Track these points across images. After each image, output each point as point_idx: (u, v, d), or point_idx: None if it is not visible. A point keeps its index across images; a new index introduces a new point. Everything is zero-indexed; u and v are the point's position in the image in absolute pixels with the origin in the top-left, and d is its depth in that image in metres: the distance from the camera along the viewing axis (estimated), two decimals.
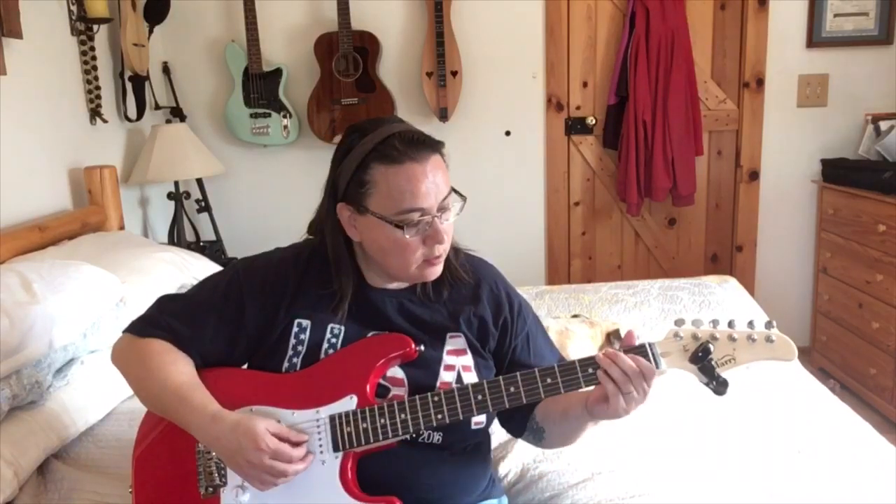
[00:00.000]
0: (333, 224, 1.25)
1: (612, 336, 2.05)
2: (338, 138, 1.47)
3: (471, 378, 1.27)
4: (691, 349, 1.16)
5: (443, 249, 1.22)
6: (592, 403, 1.16)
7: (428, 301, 1.30)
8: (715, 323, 1.17)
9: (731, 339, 1.15)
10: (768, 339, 1.15)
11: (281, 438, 1.15)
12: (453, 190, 1.23)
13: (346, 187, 1.21)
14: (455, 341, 1.29)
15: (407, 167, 1.16)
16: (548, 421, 1.29)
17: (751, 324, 1.16)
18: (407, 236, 1.18)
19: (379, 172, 1.17)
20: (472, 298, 1.32)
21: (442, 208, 1.20)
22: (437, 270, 1.25)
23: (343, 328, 1.27)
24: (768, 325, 1.16)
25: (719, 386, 1.15)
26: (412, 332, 1.27)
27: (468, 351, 1.29)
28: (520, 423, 1.33)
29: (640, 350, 1.16)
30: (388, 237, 1.19)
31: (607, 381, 1.13)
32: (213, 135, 3.35)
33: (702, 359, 1.14)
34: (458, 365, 1.28)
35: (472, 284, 1.33)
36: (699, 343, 1.15)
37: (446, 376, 1.26)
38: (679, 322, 1.17)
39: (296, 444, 1.17)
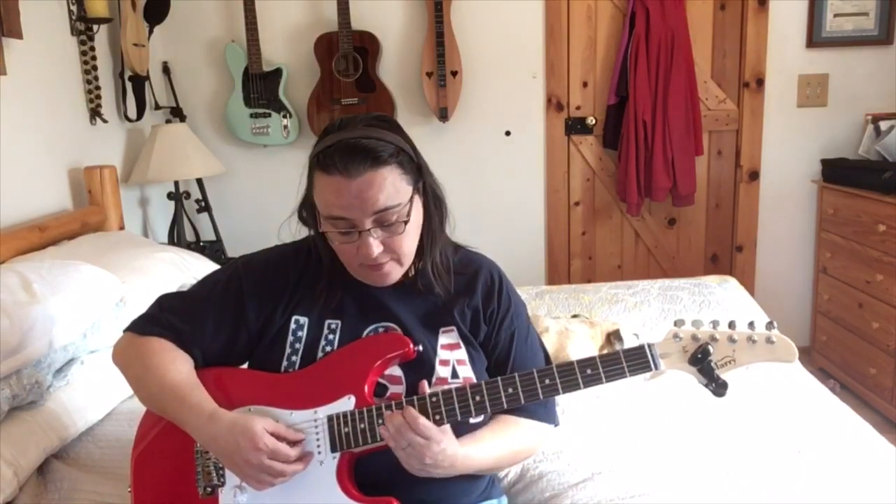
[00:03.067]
0: (312, 212, 1.26)
1: (612, 336, 2.05)
2: None
3: (465, 372, 1.27)
4: (691, 350, 1.15)
5: (382, 259, 1.20)
6: None
7: (421, 295, 1.30)
8: (715, 324, 1.16)
9: (731, 340, 1.14)
10: (769, 341, 1.14)
11: (278, 437, 1.16)
12: (416, 195, 1.21)
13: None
14: (448, 335, 1.29)
15: (334, 179, 1.15)
16: None
17: (751, 325, 1.15)
18: (333, 241, 1.20)
19: (315, 177, 1.19)
20: (467, 290, 1.32)
21: (381, 222, 1.17)
22: (384, 276, 1.23)
23: (340, 322, 1.27)
24: (769, 325, 1.15)
25: (719, 387, 1.14)
26: (409, 323, 1.27)
27: (461, 344, 1.29)
28: None
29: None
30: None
31: (389, 440, 1.14)
32: (213, 135, 3.36)
33: (701, 360, 1.14)
34: (453, 359, 1.28)
35: (469, 276, 1.33)
36: (699, 344, 1.15)
37: (442, 371, 1.26)
38: (679, 322, 1.16)
39: (293, 443, 1.17)
